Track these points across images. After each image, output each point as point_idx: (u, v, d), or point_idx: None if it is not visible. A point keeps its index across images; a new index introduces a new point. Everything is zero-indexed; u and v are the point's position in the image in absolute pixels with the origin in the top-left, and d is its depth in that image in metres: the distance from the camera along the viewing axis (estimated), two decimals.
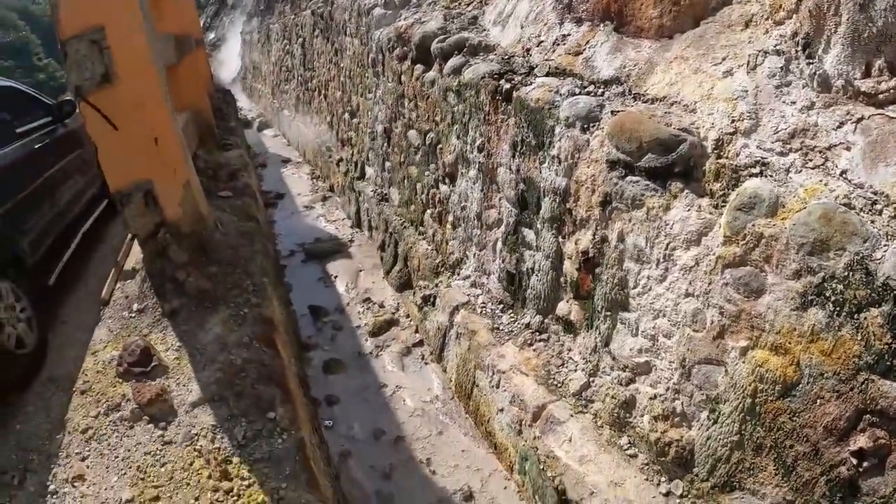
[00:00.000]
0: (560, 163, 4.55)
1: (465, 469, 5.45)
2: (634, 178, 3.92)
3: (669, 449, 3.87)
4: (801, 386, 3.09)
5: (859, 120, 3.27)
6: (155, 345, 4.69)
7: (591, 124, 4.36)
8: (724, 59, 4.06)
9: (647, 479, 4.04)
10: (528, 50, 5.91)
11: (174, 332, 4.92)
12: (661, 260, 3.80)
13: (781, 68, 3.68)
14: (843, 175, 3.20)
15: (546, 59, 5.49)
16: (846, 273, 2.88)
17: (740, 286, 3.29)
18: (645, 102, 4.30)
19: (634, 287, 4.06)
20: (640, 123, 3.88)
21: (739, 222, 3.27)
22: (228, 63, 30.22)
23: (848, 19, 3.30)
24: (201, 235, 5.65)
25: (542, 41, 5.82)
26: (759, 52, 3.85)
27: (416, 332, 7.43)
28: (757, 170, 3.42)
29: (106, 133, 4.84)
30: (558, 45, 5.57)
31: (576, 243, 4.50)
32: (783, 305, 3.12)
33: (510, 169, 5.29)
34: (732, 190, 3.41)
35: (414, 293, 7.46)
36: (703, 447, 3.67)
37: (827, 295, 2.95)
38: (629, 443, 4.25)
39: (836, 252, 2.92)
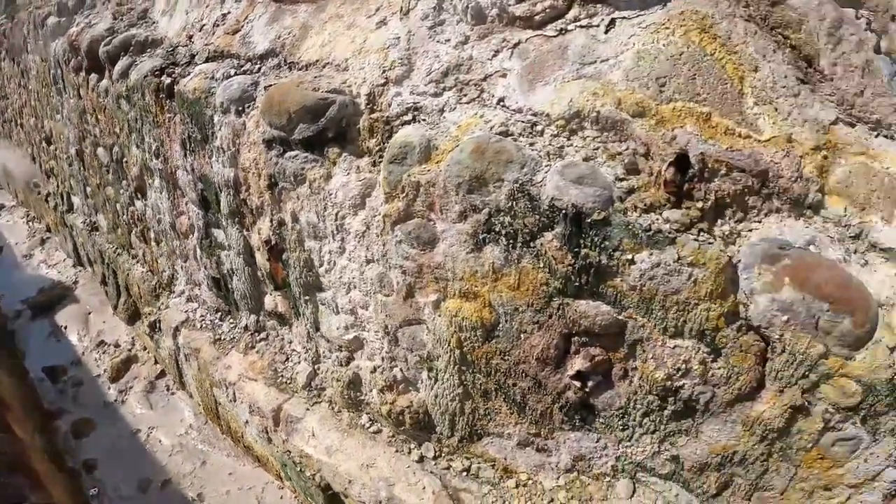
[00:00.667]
0: (224, 153, 3.96)
1: (237, 492, 4.95)
2: (293, 153, 3.40)
3: (405, 416, 3.50)
4: (500, 325, 2.82)
5: (516, 45, 3.03)
6: None
7: (247, 105, 3.78)
8: (378, 9, 3.70)
9: (397, 451, 3.66)
10: (191, 37, 5.22)
11: None
12: (336, 231, 3.35)
13: (434, 8, 3.38)
14: (501, 103, 2.93)
15: (206, 44, 4.86)
16: (510, 203, 2.59)
17: (413, 240, 2.96)
18: (299, 70, 3.83)
19: (321, 265, 3.59)
20: (289, 94, 3.39)
21: (395, 175, 2.92)
22: None
23: None
24: None
25: (203, 24, 5.16)
26: None
27: (156, 363, 6.51)
28: (409, 117, 3.08)
29: None
30: (218, 25, 4.95)
31: (258, 233, 3.97)
32: (459, 250, 2.82)
33: (186, 170, 4.62)
34: (387, 143, 3.08)
35: (143, 322, 6.60)
36: (434, 406, 3.35)
37: (497, 230, 2.65)
38: (370, 420, 3.85)
39: (496, 184, 2.61)
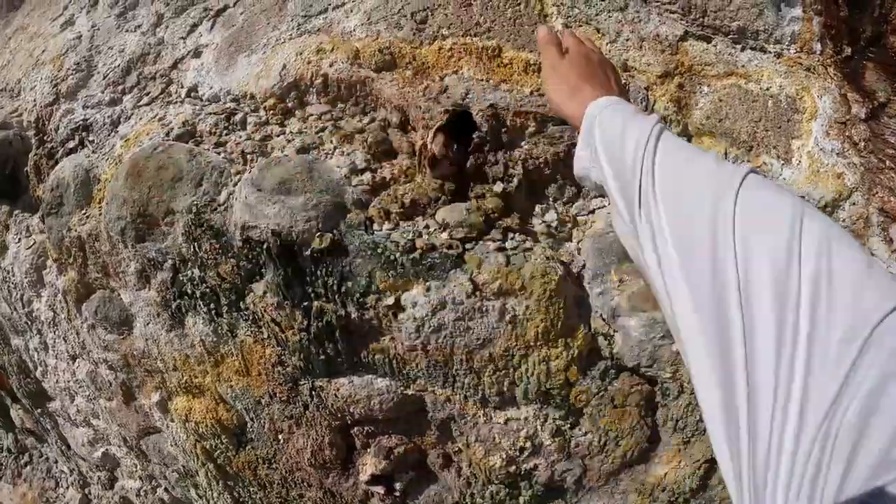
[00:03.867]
0: None
1: None
2: None
3: None
4: (250, 427, 1.89)
5: (221, 11, 2.06)
6: None
7: None
8: (66, 6, 2.75)
9: None
10: None
11: None
12: (29, 322, 2.33)
13: None
14: (192, 94, 1.95)
15: None
16: (191, 246, 1.64)
17: (104, 322, 1.94)
18: None
19: (35, 368, 2.52)
20: None
21: (55, 231, 1.91)
22: None
23: None
24: None
25: None
26: None
27: None
28: (75, 141, 2.08)
29: None
30: None
31: None
32: (158, 329, 1.82)
33: None
34: None
35: None
36: None
37: (190, 292, 1.70)
38: None
39: (166, 220, 1.66)
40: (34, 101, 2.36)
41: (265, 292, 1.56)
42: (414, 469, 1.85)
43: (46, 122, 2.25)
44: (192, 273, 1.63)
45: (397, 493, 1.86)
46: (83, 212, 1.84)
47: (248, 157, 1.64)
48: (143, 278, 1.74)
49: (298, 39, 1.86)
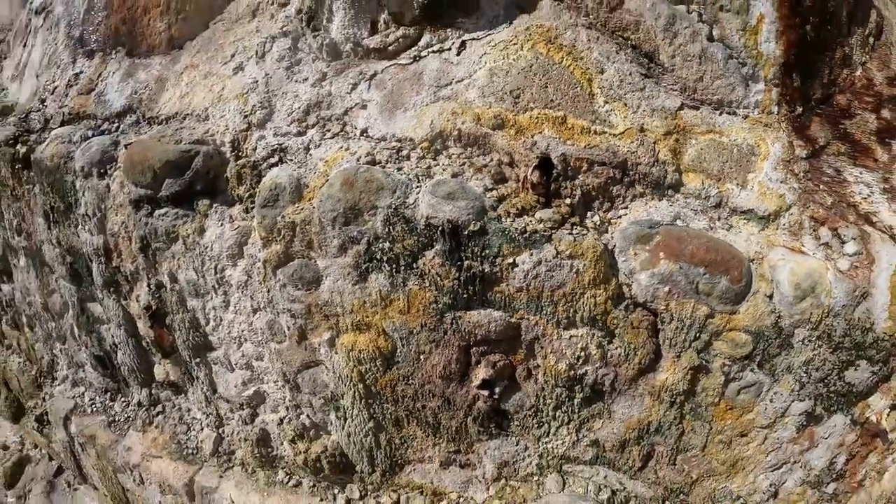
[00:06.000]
0: (90, 219, 3.82)
1: None
2: (162, 211, 3.29)
3: (322, 462, 3.41)
4: (399, 351, 2.84)
5: (373, 76, 3.09)
6: None
7: (108, 167, 3.64)
8: (233, 55, 3.67)
9: (321, 501, 3.57)
10: (43, 101, 5.00)
11: None
12: (217, 285, 3.25)
13: (290, 49, 3.39)
14: (365, 134, 2.96)
15: (60, 107, 4.67)
16: (387, 229, 2.63)
17: (297, 282, 2.90)
18: (159, 125, 3.75)
19: (207, 323, 3.46)
20: (150, 150, 3.28)
21: (269, 219, 2.87)
22: None
23: None
24: None
25: (56, 86, 4.96)
26: (267, 38, 3.51)
27: (51, 459, 6.11)
28: (276, 158, 3.06)
29: None
30: (71, 86, 4.77)
31: (137, 300, 3.80)
32: (344, 284, 2.80)
33: (52, 243, 4.41)
34: (257, 188, 3.04)
35: (28, 417, 6.20)
36: (349, 445, 3.30)
37: (379, 257, 2.68)
38: (287, 474, 3.71)
39: (370, 213, 2.63)
40: (226, 126, 3.29)
41: (434, 256, 2.54)
42: (507, 379, 2.83)
43: (242, 143, 3.19)
44: (383, 245, 2.62)
45: (496, 396, 2.83)
46: (296, 205, 2.79)
47: (420, 178, 2.67)
48: (342, 250, 2.69)
49: (437, 104, 2.89)
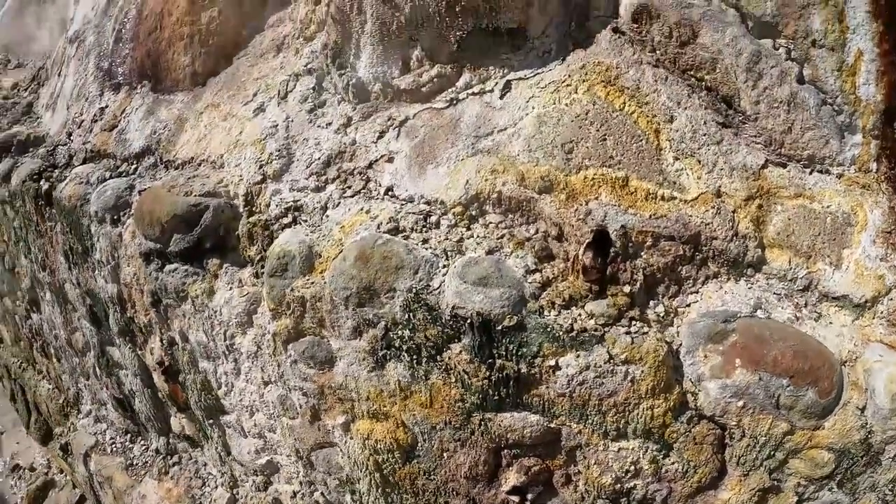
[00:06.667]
0: (105, 266, 3.57)
1: None
2: (172, 267, 3.00)
3: None
4: (419, 445, 2.44)
5: (403, 122, 2.74)
6: None
7: (122, 213, 3.36)
8: (255, 94, 3.38)
9: None
10: (70, 134, 4.84)
11: None
12: (227, 352, 2.94)
13: (314, 88, 3.08)
14: (389, 193, 2.62)
15: (84, 143, 4.48)
16: (407, 316, 2.24)
17: (308, 360, 2.57)
18: (175, 169, 3.48)
19: (219, 387, 3.14)
20: (158, 201, 3.01)
21: (277, 290, 2.55)
22: None
23: (373, 14, 2.71)
24: None
25: (82, 120, 4.77)
26: (291, 76, 3.19)
27: (74, 487, 5.98)
28: (289, 218, 2.74)
29: None
30: (96, 121, 4.57)
31: (151, 353, 3.57)
32: (359, 369, 2.45)
33: (73, 283, 4.20)
34: (268, 251, 2.79)
35: (55, 443, 6.10)
36: None
37: (397, 345, 2.29)
38: None
39: (387, 295, 2.25)
40: (241, 177, 3.01)
41: (461, 351, 2.18)
42: (543, 485, 2.42)
43: (256, 198, 2.90)
44: (402, 333, 2.26)
45: (527, 502, 2.45)
46: (306, 278, 2.47)
47: (449, 253, 2.27)
48: (356, 332, 2.37)
49: (474, 158, 2.47)
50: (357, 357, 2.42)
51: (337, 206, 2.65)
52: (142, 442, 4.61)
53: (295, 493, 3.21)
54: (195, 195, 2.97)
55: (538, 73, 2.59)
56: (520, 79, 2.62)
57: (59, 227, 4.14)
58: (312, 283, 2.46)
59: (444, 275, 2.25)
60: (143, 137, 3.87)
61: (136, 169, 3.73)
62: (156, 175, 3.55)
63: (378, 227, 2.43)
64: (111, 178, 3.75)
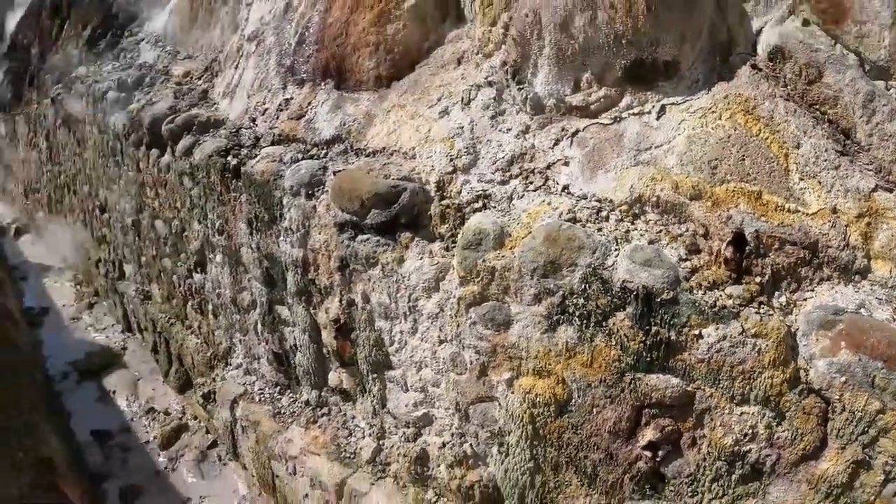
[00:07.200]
0: (293, 234, 4.29)
1: None
2: (365, 237, 3.75)
3: (474, 491, 3.69)
4: (573, 401, 3.07)
5: (574, 133, 3.35)
6: None
7: (316, 189, 4.14)
8: (439, 99, 4.04)
9: None
10: (254, 120, 5.63)
11: None
12: (408, 312, 3.66)
13: (494, 98, 3.72)
14: (566, 190, 3.24)
15: (271, 128, 5.25)
16: (583, 286, 2.90)
17: (487, 322, 3.20)
18: (367, 157, 4.17)
19: (391, 344, 3.88)
20: (359, 181, 3.73)
21: (469, 260, 3.19)
22: None
23: (551, 41, 3.41)
24: None
25: (266, 108, 5.57)
26: (472, 86, 3.87)
27: (208, 433, 6.77)
28: (479, 204, 3.37)
29: None
30: (282, 110, 5.34)
31: (326, 312, 4.25)
32: (533, 331, 3.07)
33: (251, 248, 4.96)
34: (459, 229, 3.34)
35: (195, 392, 6.84)
36: (504, 480, 3.55)
37: (571, 311, 2.95)
38: (436, 495, 4.03)
39: (569, 269, 2.93)
40: (432, 167, 3.61)
41: (624, 318, 2.75)
42: (671, 444, 2.99)
43: (447, 185, 3.50)
44: (577, 301, 2.88)
45: (658, 458, 3.01)
46: (498, 252, 3.06)
47: (619, 240, 2.90)
48: (536, 299, 2.93)
49: (636, 168, 3.15)
50: (533, 320, 3.00)
51: (521, 197, 3.22)
52: (290, 394, 5.29)
53: (444, 444, 3.75)
54: (393, 178, 3.51)
55: (688, 101, 3.22)
56: (673, 104, 3.26)
57: (245, 197, 4.86)
58: (503, 256, 3.04)
59: (616, 256, 2.92)
60: (332, 127, 4.56)
61: (326, 153, 4.42)
62: (347, 160, 4.22)
63: (560, 216, 2.99)
64: (303, 159, 4.44)
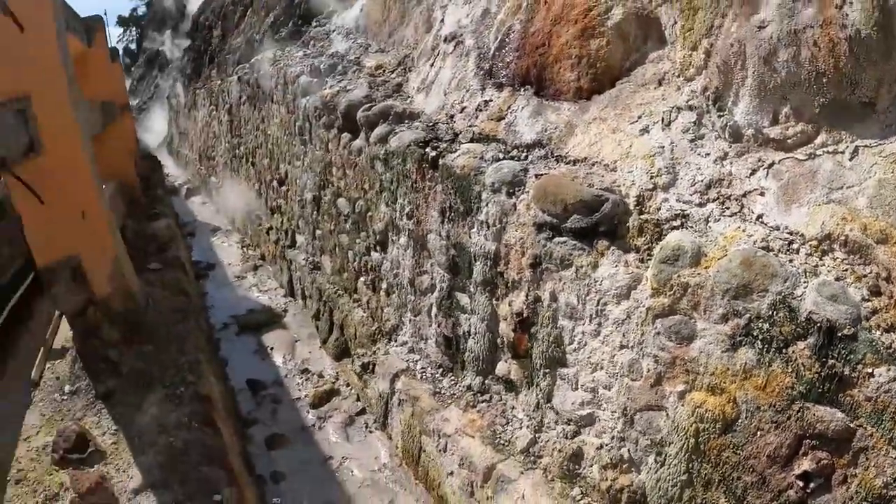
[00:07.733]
0: (489, 227, 4.77)
1: None
2: (562, 239, 4.24)
3: (621, 495, 4.04)
4: (740, 421, 3.39)
5: (771, 165, 3.60)
6: (90, 429, 4.63)
7: (517, 189, 4.60)
8: (639, 117, 4.35)
9: None
10: (451, 116, 6.15)
11: (109, 415, 4.88)
12: (594, 315, 4.06)
13: (694, 122, 4.00)
14: (760, 219, 3.52)
15: (469, 126, 5.73)
16: (771, 312, 3.24)
17: (672, 334, 3.52)
18: (567, 164, 4.57)
19: (570, 343, 4.28)
20: (563, 186, 4.16)
21: (665, 274, 3.51)
22: (155, 128, 29.67)
23: (754, 72, 3.75)
24: (133, 312, 5.56)
25: (465, 107, 6.07)
26: (673, 108, 4.18)
27: (358, 400, 7.50)
28: (678, 222, 3.68)
29: (31, 206, 4.77)
30: (481, 110, 5.82)
31: (509, 305, 4.69)
32: (714, 348, 3.39)
33: (440, 235, 5.49)
34: (656, 243, 3.70)
35: (352, 361, 7.51)
36: (654, 489, 3.90)
37: (755, 334, 3.30)
38: (581, 493, 4.44)
39: (760, 294, 3.28)
40: (633, 182, 3.93)
41: (805, 348, 3.11)
42: (824, 478, 3.21)
43: (646, 201, 3.79)
44: (762, 325, 3.27)
45: (808, 490, 3.24)
46: (693, 269, 3.33)
47: (808, 274, 3.29)
48: (723, 318, 3.27)
49: (828, 206, 3.40)
50: (716, 338, 3.35)
51: (717, 220, 3.55)
52: (451, 376, 5.73)
53: (601, 446, 4.05)
54: (596, 188, 3.80)
55: (881, 144, 3.37)
56: (865, 146, 3.43)
57: (441, 187, 5.31)
58: (698, 273, 3.37)
59: (805, 287, 3.23)
60: (533, 132, 4.99)
61: (527, 156, 4.85)
62: (547, 165, 4.62)
63: (754, 243, 3.32)
64: (503, 159, 4.79)
